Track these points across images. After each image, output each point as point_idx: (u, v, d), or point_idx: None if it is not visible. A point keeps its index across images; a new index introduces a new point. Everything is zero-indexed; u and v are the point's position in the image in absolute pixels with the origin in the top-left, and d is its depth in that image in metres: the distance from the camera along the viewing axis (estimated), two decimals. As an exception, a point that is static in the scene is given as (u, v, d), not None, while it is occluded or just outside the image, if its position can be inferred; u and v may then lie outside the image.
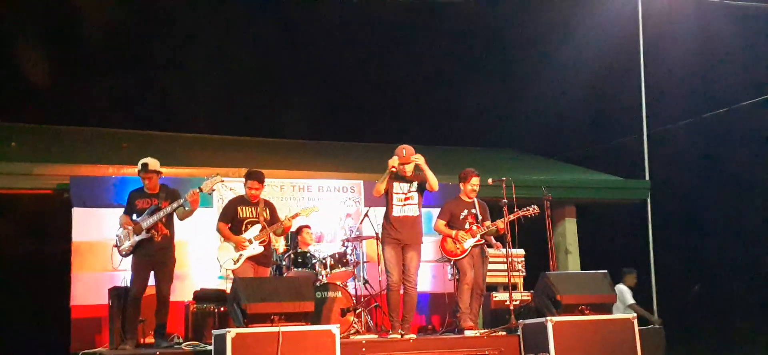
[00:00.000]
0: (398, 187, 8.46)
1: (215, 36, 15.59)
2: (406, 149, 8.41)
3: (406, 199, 8.43)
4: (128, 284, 8.34)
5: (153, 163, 8.37)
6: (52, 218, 10.57)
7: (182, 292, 9.68)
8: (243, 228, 8.45)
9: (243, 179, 8.75)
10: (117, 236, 8.26)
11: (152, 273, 8.22)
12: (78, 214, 9.80)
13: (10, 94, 14.32)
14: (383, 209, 8.65)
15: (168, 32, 15.26)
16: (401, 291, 8.37)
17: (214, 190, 8.43)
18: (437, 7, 15.27)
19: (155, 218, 8.10)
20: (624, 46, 14.04)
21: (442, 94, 17.64)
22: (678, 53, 14.27)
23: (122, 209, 8.38)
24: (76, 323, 9.52)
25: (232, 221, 8.49)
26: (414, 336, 8.30)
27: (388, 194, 8.46)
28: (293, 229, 9.65)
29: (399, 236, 8.38)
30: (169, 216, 8.24)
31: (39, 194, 10.26)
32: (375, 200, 8.97)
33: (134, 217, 8.19)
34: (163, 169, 8.53)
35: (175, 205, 8.17)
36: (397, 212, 8.42)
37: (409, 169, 8.43)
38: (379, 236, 8.95)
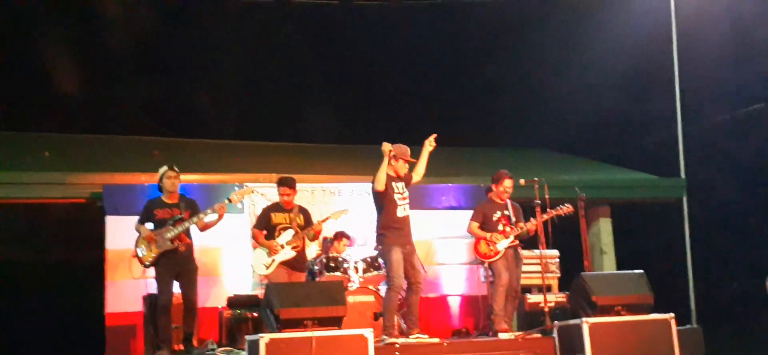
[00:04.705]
0: (397, 186, 8.18)
1: (244, 42, 15.63)
2: (402, 147, 8.20)
3: (404, 199, 8.19)
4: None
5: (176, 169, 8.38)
6: (86, 227, 10.63)
7: (216, 298, 9.72)
8: (276, 234, 8.54)
9: (274, 185, 8.81)
10: (136, 246, 8.15)
11: (176, 282, 8.21)
12: (111, 222, 9.84)
13: (43, 104, 14.46)
14: (415, 212, 8.52)
15: (197, 39, 15.33)
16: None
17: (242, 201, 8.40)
18: (465, 6, 15.19)
19: (180, 229, 8.09)
20: (657, 42, 13.83)
21: (473, 94, 17.53)
22: (713, 48, 14.00)
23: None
24: (110, 330, 9.55)
25: (266, 228, 8.61)
26: (436, 340, 8.15)
27: (387, 194, 8.11)
28: (331, 235, 9.68)
29: (405, 237, 8.15)
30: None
31: (72, 202, 10.34)
32: (406, 203, 8.86)
33: (149, 225, 8.15)
34: (196, 177, 8.55)
35: (201, 215, 8.17)
36: (400, 212, 8.14)
37: (401, 168, 8.18)
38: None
